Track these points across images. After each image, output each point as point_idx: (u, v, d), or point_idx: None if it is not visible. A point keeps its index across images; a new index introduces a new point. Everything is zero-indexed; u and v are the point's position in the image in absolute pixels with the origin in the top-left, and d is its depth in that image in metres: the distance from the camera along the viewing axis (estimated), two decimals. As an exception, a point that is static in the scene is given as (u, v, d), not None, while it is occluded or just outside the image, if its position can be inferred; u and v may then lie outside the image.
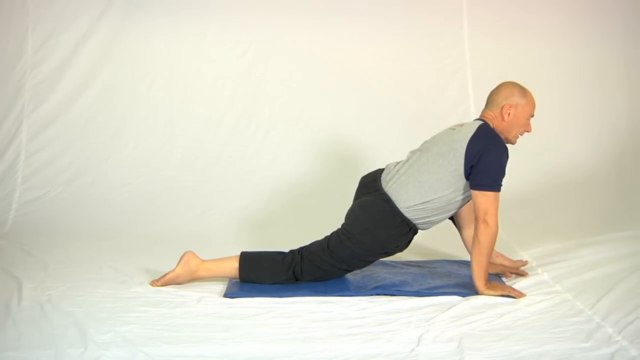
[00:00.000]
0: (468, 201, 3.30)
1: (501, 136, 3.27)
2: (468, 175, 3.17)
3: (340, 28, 4.89)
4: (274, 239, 4.04)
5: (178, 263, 3.27)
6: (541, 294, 3.16)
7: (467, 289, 3.20)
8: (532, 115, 3.33)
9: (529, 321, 2.85)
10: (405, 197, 3.22)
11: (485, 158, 3.14)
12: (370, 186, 3.35)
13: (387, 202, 3.23)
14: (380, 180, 3.32)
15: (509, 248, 3.85)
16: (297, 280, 3.29)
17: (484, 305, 3.00)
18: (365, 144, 4.72)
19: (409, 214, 3.22)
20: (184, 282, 3.29)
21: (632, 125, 4.96)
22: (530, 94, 3.32)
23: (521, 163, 4.73)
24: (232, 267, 3.30)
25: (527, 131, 3.34)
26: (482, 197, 3.12)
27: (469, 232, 3.41)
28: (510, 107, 3.26)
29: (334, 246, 3.27)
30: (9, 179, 4.54)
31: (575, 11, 5.03)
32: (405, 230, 3.25)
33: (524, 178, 4.67)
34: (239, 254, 3.34)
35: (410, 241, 3.35)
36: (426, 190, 3.20)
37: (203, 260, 3.30)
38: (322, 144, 4.75)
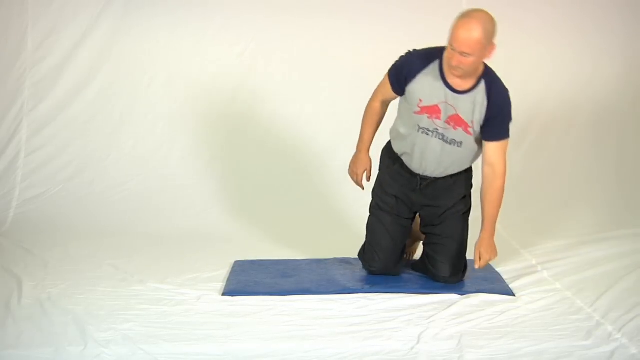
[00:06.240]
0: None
1: None
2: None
3: (340, 26, 4.88)
4: (274, 237, 4.04)
5: None
6: (541, 291, 3.17)
7: (467, 287, 3.20)
8: (453, 48, 2.96)
9: (529, 319, 2.86)
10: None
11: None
12: None
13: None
14: None
15: (509, 246, 3.85)
16: None
17: (483, 303, 3.01)
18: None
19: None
20: None
21: (632, 125, 4.97)
22: (455, 22, 2.97)
23: (522, 161, 4.74)
24: None
25: (450, 64, 3.00)
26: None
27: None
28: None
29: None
30: (9, 177, 4.53)
31: (575, 11, 5.03)
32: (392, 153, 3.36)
33: (524, 176, 4.67)
34: None
35: (398, 171, 3.32)
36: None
37: None
38: (322, 142, 4.75)
